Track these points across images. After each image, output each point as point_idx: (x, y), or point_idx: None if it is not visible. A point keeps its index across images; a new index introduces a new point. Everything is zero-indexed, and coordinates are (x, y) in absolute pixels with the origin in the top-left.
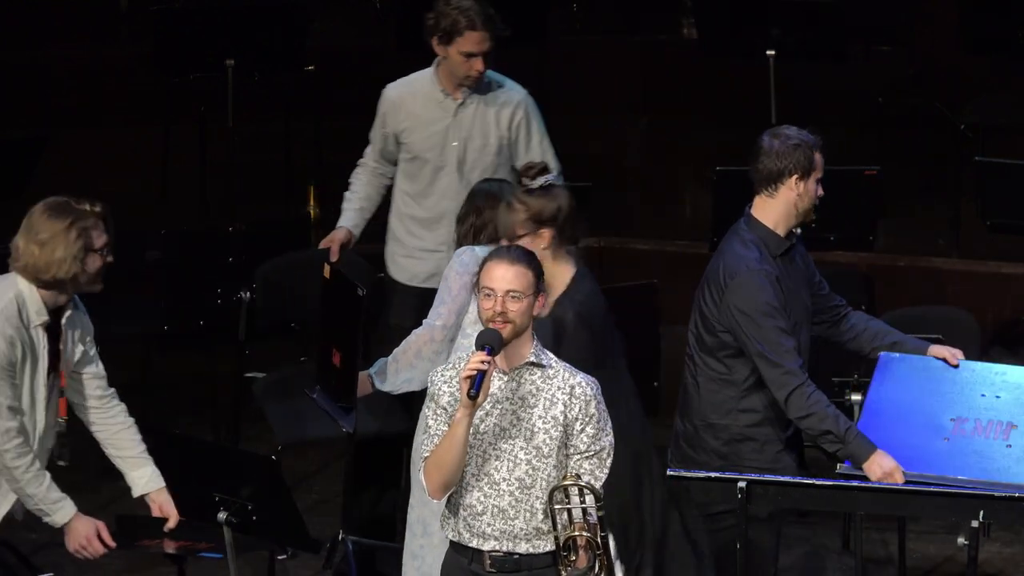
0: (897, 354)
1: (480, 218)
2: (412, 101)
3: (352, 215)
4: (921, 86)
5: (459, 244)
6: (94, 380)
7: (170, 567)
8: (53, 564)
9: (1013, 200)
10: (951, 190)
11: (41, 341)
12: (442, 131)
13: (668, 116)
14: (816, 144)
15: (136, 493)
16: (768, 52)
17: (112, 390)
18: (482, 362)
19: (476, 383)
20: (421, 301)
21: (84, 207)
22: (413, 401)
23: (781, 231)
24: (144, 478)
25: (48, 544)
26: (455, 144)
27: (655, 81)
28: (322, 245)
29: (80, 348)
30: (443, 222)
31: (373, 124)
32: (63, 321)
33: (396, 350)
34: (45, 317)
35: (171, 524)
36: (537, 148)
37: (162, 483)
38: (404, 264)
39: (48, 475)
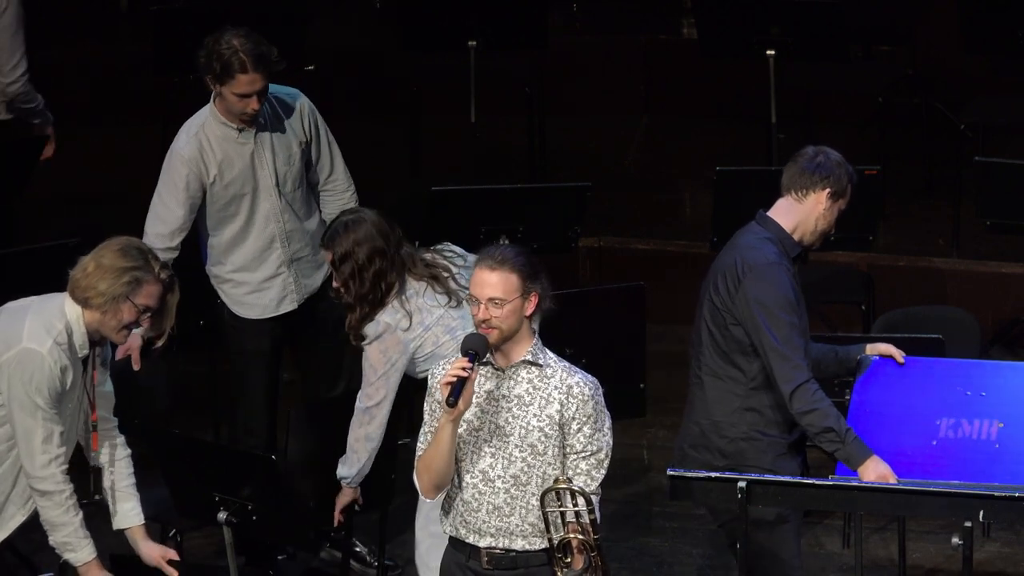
0: (877, 356)
1: (368, 267)
2: (209, 149)
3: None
4: (921, 86)
5: (350, 305)
6: (106, 402)
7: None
8: (53, 564)
9: (1013, 200)
10: (951, 190)
11: (79, 376)
12: (249, 160)
13: (668, 116)
14: (854, 178)
15: (117, 526)
16: (768, 52)
17: (115, 418)
18: (463, 369)
19: (455, 391)
20: (281, 327)
21: (154, 265)
22: (414, 403)
23: (796, 237)
24: (131, 512)
25: (48, 544)
26: (265, 167)
27: (655, 81)
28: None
29: (100, 380)
30: (274, 245)
31: (156, 210)
32: (95, 354)
33: (349, 439)
34: (87, 350)
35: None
36: (326, 145)
37: (143, 519)
38: (252, 300)
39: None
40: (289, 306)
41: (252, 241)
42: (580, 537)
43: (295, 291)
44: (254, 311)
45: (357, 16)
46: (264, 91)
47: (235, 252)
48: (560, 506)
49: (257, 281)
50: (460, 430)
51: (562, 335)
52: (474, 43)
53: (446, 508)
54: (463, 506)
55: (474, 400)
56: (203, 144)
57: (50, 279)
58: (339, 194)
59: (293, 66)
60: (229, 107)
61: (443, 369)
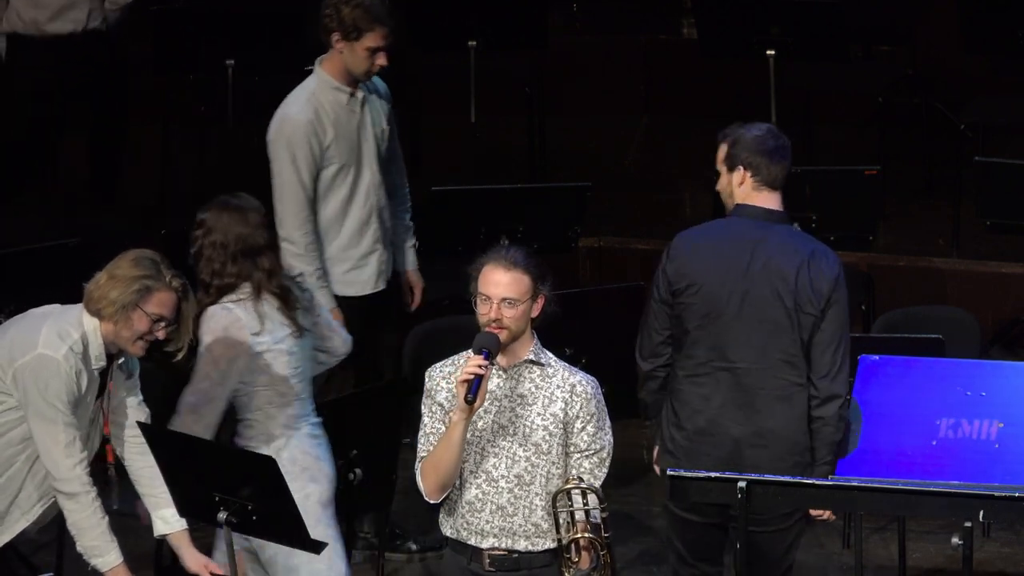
0: (877, 356)
1: (235, 249)
2: (324, 112)
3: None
4: (921, 86)
5: (204, 282)
6: (138, 412)
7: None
8: (53, 564)
9: (1013, 200)
10: (951, 190)
11: (94, 385)
12: (356, 129)
13: (668, 116)
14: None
15: (159, 532)
16: (768, 52)
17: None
18: (479, 366)
19: (473, 388)
20: (369, 305)
21: (166, 274)
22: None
23: None
24: (172, 517)
25: (48, 544)
26: (368, 138)
27: (655, 81)
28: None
29: (121, 394)
30: (372, 220)
31: (284, 197)
32: (113, 367)
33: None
34: (104, 363)
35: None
36: (395, 128)
37: (185, 525)
38: (353, 278)
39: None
40: (382, 284)
41: (354, 215)
42: (589, 536)
43: (387, 269)
44: (353, 288)
45: None
46: (391, 49)
47: (338, 228)
48: (571, 506)
49: (357, 257)
50: None
51: (562, 335)
52: (474, 43)
53: (447, 510)
54: (466, 507)
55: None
56: (318, 108)
57: (50, 279)
58: (399, 188)
59: (293, 66)
60: (354, 65)
61: (440, 372)
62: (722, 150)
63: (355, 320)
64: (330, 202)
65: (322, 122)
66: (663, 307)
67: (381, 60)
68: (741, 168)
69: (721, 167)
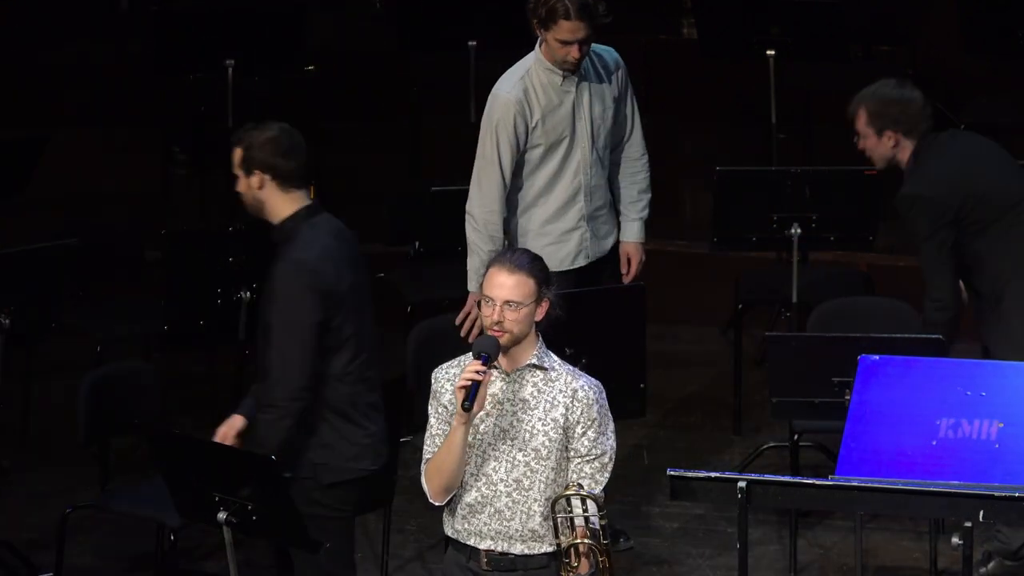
0: (877, 356)
1: None
2: (534, 93)
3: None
4: (921, 86)
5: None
6: None
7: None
8: (53, 564)
9: None
10: None
11: None
12: (570, 108)
13: (668, 116)
14: None
15: None
16: (768, 52)
17: None
18: (477, 372)
19: (471, 394)
20: (575, 281)
21: None
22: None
23: None
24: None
25: (48, 544)
26: (583, 118)
27: (655, 81)
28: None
29: None
30: (578, 198)
31: (484, 162)
32: None
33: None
34: None
35: None
36: (630, 105)
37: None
38: (551, 252)
39: None
40: (582, 261)
41: (559, 192)
42: (588, 542)
43: (589, 247)
44: (551, 263)
45: (357, 16)
46: (587, 41)
47: (541, 203)
48: (570, 512)
49: (558, 233)
50: None
51: (562, 335)
52: (474, 43)
53: (449, 510)
54: (465, 508)
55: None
56: (528, 88)
57: (50, 279)
58: (632, 161)
59: (293, 66)
60: (552, 53)
61: (446, 373)
62: (237, 154)
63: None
64: (537, 178)
65: (529, 101)
66: None
67: (574, 53)
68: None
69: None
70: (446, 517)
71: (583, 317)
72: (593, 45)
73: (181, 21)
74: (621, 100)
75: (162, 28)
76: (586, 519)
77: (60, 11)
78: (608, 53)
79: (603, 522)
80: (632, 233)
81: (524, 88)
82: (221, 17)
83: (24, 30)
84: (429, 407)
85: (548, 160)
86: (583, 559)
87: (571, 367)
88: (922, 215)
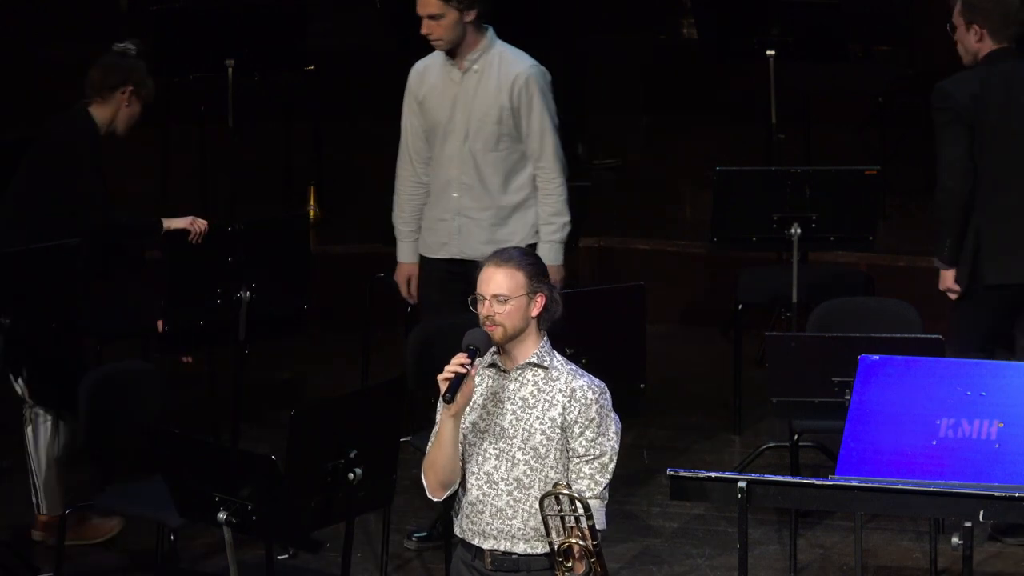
0: (877, 356)
1: None
2: (428, 73)
3: (409, 248)
4: (921, 86)
5: None
6: None
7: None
8: (53, 564)
9: None
10: None
11: None
12: (452, 99)
13: (668, 116)
14: None
15: None
16: (768, 52)
17: None
18: (461, 365)
19: (453, 386)
20: (442, 273)
21: None
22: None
23: None
24: None
25: (48, 544)
26: (461, 111)
27: (655, 81)
28: (404, 294)
29: None
30: (449, 190)
31: (403, 118)
32: None
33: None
34: None
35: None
36: (536, 124)
37: None
38: (424, 235)
39: None
40: (446, 254)
41: (436, 178)
42: (580, 543)
43: (460, 243)
44: (423, 248)
45: (357, 16)
46: (436, 18)
47: (430, 185)
48: (560, 511)
49: (432, 219)
50: (466, 432)
51: (562, 335)
52: None
53: (456, 510)
54: (469, 508)
55: (480, 402)
56: (430, 66)
57: (50, 279)
58: (544, 183)
59: (293, 66)
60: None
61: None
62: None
63: (431, 280)
64: (431, 160)
65: (424, 79)
66: None
67: (424, 28)
68: None
69: None
70: (454, 517)
71: (583, 317)
72: (513, 54)
73: (181, 21)
74: (517, 114)
75: (162, 28)
76: (576, 519)
77: (60, 11)
78: (517, 62)
79: (591, 523)
80: (543, 254)
81: (427, 65)
82: (221, 17)
83: (24, 30)
84: (439, 403)
85: (431, 143)
86: (577, 560)
87: (575, 367)
88: (934, 104)
